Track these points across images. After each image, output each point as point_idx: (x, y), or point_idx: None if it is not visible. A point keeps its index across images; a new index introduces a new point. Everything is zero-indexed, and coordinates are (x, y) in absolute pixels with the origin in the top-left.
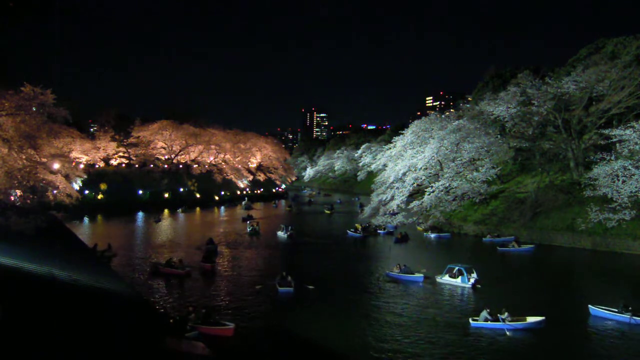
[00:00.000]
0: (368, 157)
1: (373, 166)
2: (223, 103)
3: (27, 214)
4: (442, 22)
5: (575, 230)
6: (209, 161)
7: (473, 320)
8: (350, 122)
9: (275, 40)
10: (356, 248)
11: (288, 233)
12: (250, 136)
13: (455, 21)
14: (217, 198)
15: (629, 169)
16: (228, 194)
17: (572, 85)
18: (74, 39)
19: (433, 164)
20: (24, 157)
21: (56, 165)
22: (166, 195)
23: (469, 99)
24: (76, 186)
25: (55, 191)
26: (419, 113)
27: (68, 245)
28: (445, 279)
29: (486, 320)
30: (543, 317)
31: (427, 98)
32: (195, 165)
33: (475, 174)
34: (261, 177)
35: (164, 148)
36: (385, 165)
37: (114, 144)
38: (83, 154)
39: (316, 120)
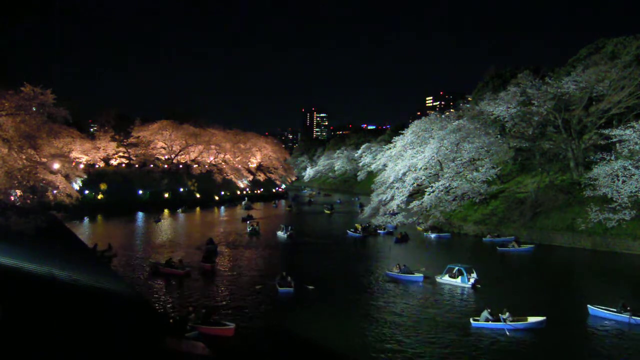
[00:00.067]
0: (368, 157)
1: (373, 166)
2: (223, 103)
3: (27, 214)
4: (442, 22)
5: (575, 230)
6: (209, 161)
7: (474, 320)
8: (350, 122)
9: (275, 40)
10: (356, 248)
11: (288, 233)
12: (250, 136)
13: (455, 21)
14: (217, 198)
15: (629, 169)
16: (228, 194)
17: (572, 85)
18: (74, 39)
19: (433, 164)
20: (24, 157)
21: (56, 165)
22: (166, 195)
23: (469, 99)
24: (76, 186)
25: (55, 191)
26: (419, 113)
27: (68, 245)
28: (445, 279)
29: (487, 320)
30: (544, 317)
31: (427, 98)
32: (195, 165)
33: (475, 174)
34: (261, 177)
35: (164, 148)
36: (385, 165)
37: (114, 144)
38: (83, 154)
39: (316, 120)
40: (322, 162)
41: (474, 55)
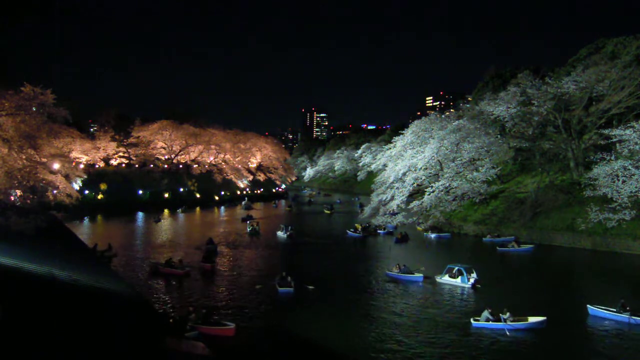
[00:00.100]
0: (368, 157)
1: (373, 166)
2: (223, 103)
3: (27, 214)
4: (442, 22)
5: (575, 230)
6: (209, 161)
7: (474, 320)
8: (350, 122)
9: (275, 40)
10: (356, 248)
11: (288, 233)
12: (250, 136)
13: (455, 21)
14: (217, 198)
15: (629, 169)
16: (228, 194)
17: (572, 85)
18: (74, 39)
19: (433, 164)
20: (24, 157)
21: (56, 165)
22: (166, 195)
23: (469, 99)
24: (76, 186)
25: (55, 191)
26: (419, 113)
27: (68, 245)
28: (445, 279)
29: (487, 320)
30: (544, 317)
31: (427, 98)
32: (195, 165)
33: (475, 174)
34: (261, 177)
35: (164, 148)
36: (385, 165)
37: (114, 144)
38: (83, 154)
39: (316, 120)
40: (322, 162)
41: (474, 55)
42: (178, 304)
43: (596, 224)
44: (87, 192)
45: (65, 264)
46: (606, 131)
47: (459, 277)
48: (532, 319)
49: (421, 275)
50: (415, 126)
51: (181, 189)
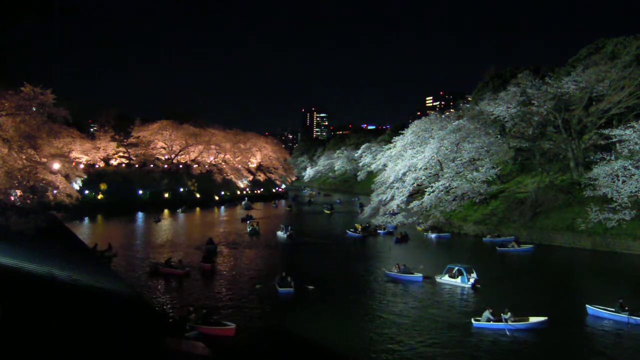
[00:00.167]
0: (368, 157)
1: (373, 166)
2: (223, 103)
3: (27, 214)
4: (442, 22)
5: (575, 230)
6: (209, 161)
7: (475, 320)
8: (350, 122)
9: (275, 40)
10: (356, 248)
11: (288, 233)
12: (250, 136)
13: (455, 21)
14: (217, 198)
15: (629, 169)
16: (228, 194)
17: (572, 85)
18: (74, 39)
19: (433, 164)
20: (24, 157)
21: (56, 165)
22: (166, 195)
23: (469, 99)
24: (76, 186)
25: (55, 191)
26: (419, 113)
27: (68, 245)
28: (445, 279)
29: (488, 320)
30: (545, 317)
31: (427, 98)
32: (195, 165)
33: (475, 174)
34: (261, 177)
35: (164, 148)
36: (385, 165)
37: (114, 144)
38: (83, 154)
39: (316, 120)
40: (322, 162)
41: (474, 55)
42: (178, 304)
43: (596, 224)
44: (87, 192)
45: (65, 264)
46: (606, 131)
47: (459, 277)
48: (534, 319)
49: (421, 275)
50: (415, 126)
51: (181, 189)
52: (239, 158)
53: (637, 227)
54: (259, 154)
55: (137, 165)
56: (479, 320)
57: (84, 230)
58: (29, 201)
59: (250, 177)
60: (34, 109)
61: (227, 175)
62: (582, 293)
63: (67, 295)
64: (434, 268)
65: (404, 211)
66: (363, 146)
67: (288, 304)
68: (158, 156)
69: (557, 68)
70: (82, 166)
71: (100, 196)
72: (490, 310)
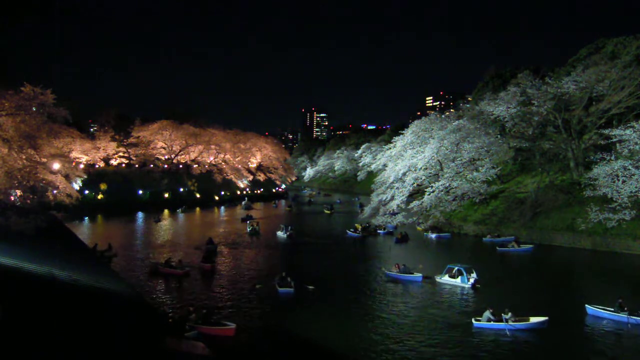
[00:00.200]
0: (368, 157)
1: (373, 166)
2: (223, 103)
3: (27, 214)
4: (442, 22)
5: (575, 230)
6: (209, 161)
7: (476, 320)
8: (350, 122)
9: (275, 40)
10: (356, 248)
11: (288, 233)
12: (250, 136)
13: (455, 21)
14: (217, 198)
15: (629, 169)
16: (228, 194)
17: (572, 85)
18: (74, 39)
19: (433, 164)
20: (24, 157)
21: (56, 165)
22: (166, 195)
23: (469, 99)
24: (76, 186)
25: (55, 191)
26: (419, 113)
27: (68, 245)
28: (445, 279)
29: (489, 320)
30: (546, 317)
31: (427, 98)
32: (195, 165)
33: (475, 174)
34: (261, 177)
35: (164, 148)
36: (385, 165)
37: (114, 144)
38: (83, 154)
39: (316, 120)
40: (322, 162)
41: (474, 55)
42: (178, 304)
43: (596, 224)
44: (87, 192)
45: (65, 264)
46: (606, 131)
47: (459, 277)
48: (534, 319)
49: (420, 275)
50: (415, 126)
51: (181, 189)
52: (239, 158)
53: (637, 227)
54: (259, 154)
55: (137, 165)
56: (479, 320)
57: (84, 230)
58: (29, 201)
59: (250, 177)
60: (34, 109)
61: (227, 175)
62: (582, 293)
63: (67, 295)
64: (434, 268)
65: (404, 211)
66: (363, 146)
67: (288, 304)
68: (158, 156)
69: (557, 68)
70: (82, 166)
71: (100, 196)
72: (491, 310)
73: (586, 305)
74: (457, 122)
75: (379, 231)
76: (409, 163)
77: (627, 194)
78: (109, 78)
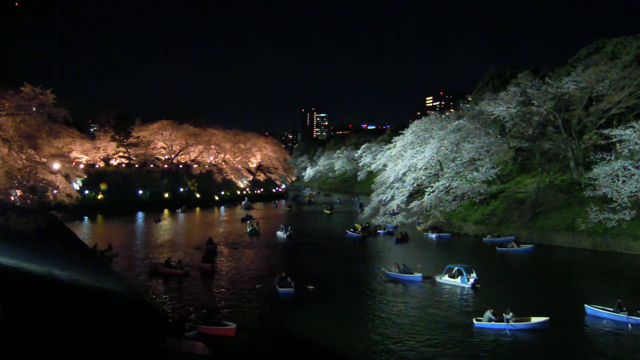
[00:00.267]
0: (368, 157)
1: (373, 166)
2: (223, 103)
3: (27, 214)
4: (442, 22)
5: (575, 230)
6: (209, 161)
7: (477, 320)
8: (350, 122)
9: (275, 40)
10: (356, 248)
11: (288, 233)
12: (250, 136)
13: (455, 21)
14: (217, 198)
15: (629, 169)
16: (228, 194)
17: (572, 85)
18: (74, 39)
19: (433, 164)
20: (24, 157)
21: (56, 165)
22: (166, 195)
23: (469, 99)
24: (76, 186)
25: (55, 191)
26: (419, 113)
27: (68, 245)
28: (445, 279)
29: (490, 320)
30: (547, 318)
31: (427, 98)
32: (195, 165)
33: (475, 174)
34: (261, 177)
35: (164, 148)
36: (385, 165)
37: (114, 144)
38: (83, 154)
39: (316, 120)
40: (322, 162)
41: (474, 55)
42: (178, 304)
43: (596, 224)
44: (87, 192)
45: (65, 264)
46: (606, 131)
47: (459, 277)
48: (535, 319)
49: (420, 275)
50: (415, 126)
51: (181, 189)
52: (239, 158)
53: (637, 227)
54: (259, 154)
55: (137, 165)
56: (480, 320)
57: (84, 230)
58: (29, 201)
59: (250, 177)
60: (34, 109)
61: (227, 175)
62: (582, 293)
63: (67, 295)
64: (434, 268)
65: (404, 211)
66: (363, 146)
67: (288, 304)
68: (158, 156)
69: (557, 68)
70: (82, 166)
71: (100, 196)
72: (492, 310)
73: (585, 305)
74: (457, 122)
75: (379, 231)
76: (409, 163)
77: (627, 194)
78: (109, 78)
